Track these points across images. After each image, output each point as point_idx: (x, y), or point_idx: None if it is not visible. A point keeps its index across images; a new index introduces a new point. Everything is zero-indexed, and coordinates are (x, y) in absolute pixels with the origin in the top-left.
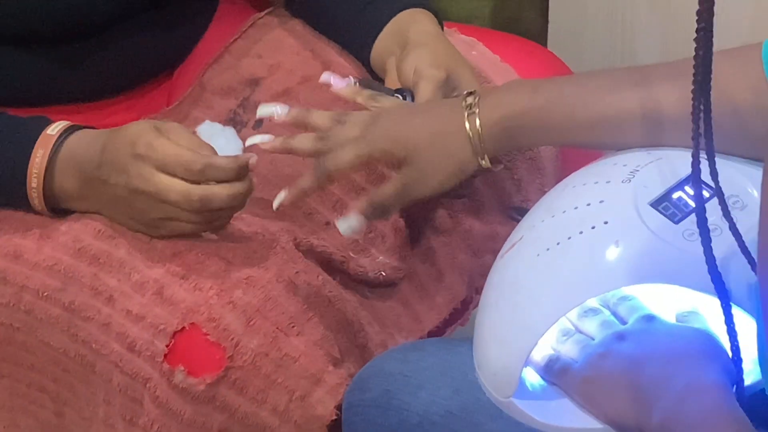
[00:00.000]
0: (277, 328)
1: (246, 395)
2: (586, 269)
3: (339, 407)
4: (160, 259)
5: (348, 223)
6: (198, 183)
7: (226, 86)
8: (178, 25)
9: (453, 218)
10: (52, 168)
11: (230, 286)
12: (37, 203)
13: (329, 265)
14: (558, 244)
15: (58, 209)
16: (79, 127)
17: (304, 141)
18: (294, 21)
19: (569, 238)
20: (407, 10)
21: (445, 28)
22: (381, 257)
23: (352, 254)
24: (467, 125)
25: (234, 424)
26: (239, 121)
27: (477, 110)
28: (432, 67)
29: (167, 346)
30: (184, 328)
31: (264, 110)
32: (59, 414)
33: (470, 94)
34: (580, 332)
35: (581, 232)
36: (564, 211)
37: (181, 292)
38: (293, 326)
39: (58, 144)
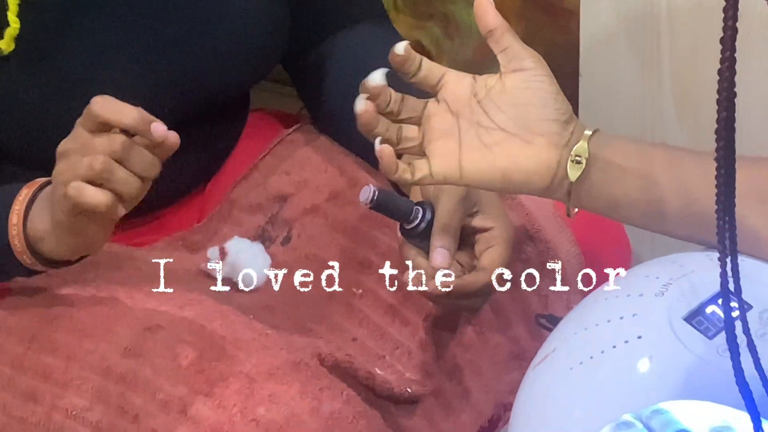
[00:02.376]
0: None
1: None
2: (620, 384)
3: None
4: (184, 376)
5: None
6: None
7: (255, 203)
8: (208, 144)
9: (479, 334)
10: (30, 207)
11: (253, 404)
12: (17, 243)
13: (354, 380)
14: (591, 357)
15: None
16: None
17: None
18: (321, 138)
19: (602, 352)
20: None
21: None
22: (407, 373)
23: (378, 370)
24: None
25: None
26: (268, 237)
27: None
28: None
29: None
30: None
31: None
32: None
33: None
34: None
35: (614, 347)
36: (597, 324)
37: (204, 410)
38: None
39: (41, 186)
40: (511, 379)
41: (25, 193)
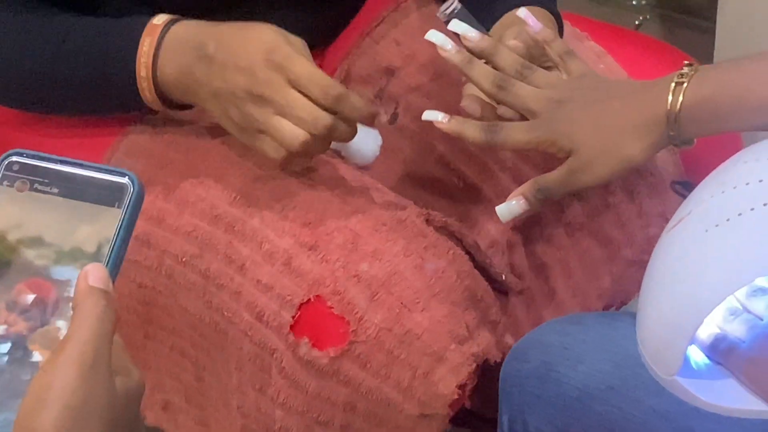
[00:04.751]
0: (402, 303)
1: (369, 370)
2: (757, 247)
3: (463, 386)
4: (290, 228)
5: (509, 208)
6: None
7: (365, 74)
8: (329, 4)
9: (570, 237)
10: (158, 56)
11: (357, 259)
12: (149, 94)
13: (460, 245)
14: (728, 220)
15: (169, 102)
16: (183, 18)
17: (473, 130)
18: (434, 6)
19: (740, 214)
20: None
21: (578, 31)
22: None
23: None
24: (670, 98)
25: (359, 399)
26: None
27: (686, 83)
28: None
29: (293, 317)
30: (309, 299)
31: (429, 115)
32: (199, 378)
33: (689, 65)
34: (748, 312)
35: (753, 209)
36: (735, 187)
37: (308, 264)
38: (418, 302)
39: (164, 32)
40: (600, 285)
41: (149, 42)
